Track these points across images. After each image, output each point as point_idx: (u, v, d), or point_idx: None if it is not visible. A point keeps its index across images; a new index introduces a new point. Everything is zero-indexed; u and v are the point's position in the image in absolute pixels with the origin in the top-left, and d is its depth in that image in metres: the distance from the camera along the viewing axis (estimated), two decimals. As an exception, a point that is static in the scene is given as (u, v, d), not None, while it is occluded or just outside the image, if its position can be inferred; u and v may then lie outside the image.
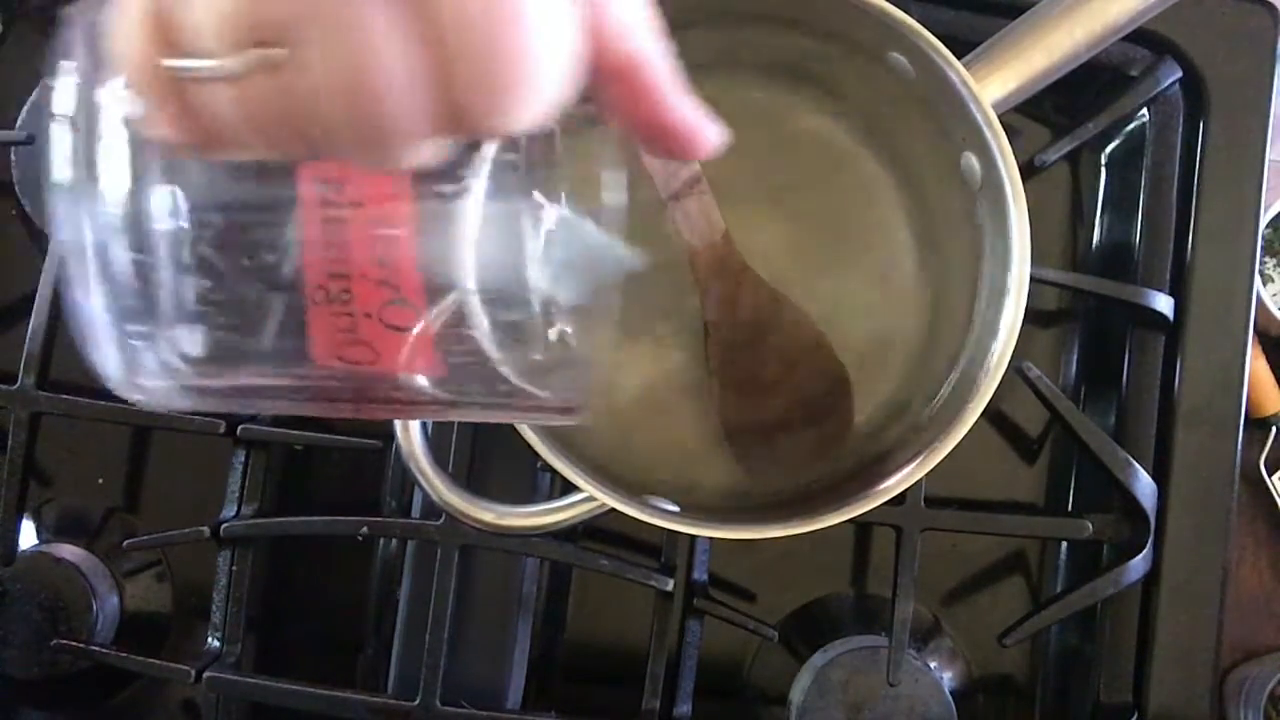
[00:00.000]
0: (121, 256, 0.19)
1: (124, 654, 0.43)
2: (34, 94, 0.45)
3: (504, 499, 0.36)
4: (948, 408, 0.35)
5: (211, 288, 0.20)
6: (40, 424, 0.44)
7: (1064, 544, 0.48)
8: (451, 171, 0.19)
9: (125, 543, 0.44)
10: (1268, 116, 0.45)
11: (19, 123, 0.45)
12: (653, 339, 0.39)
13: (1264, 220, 0.45)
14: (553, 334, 0.21)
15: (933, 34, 0.34)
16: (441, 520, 0.42)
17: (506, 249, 0.20)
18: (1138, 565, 0.43)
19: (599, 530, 0.46)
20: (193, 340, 0.21)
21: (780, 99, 0.39)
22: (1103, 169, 0.49)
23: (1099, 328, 0.48)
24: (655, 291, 0.38)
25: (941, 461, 0.33)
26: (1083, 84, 0.45)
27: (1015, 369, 0.43)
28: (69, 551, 0.45)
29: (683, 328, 0.38)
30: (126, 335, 0.20)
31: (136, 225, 0.19)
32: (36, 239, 0.47)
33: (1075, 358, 0.49)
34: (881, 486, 0.33)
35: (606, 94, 0.19)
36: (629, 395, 0.38)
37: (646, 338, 0.38)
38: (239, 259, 0.20)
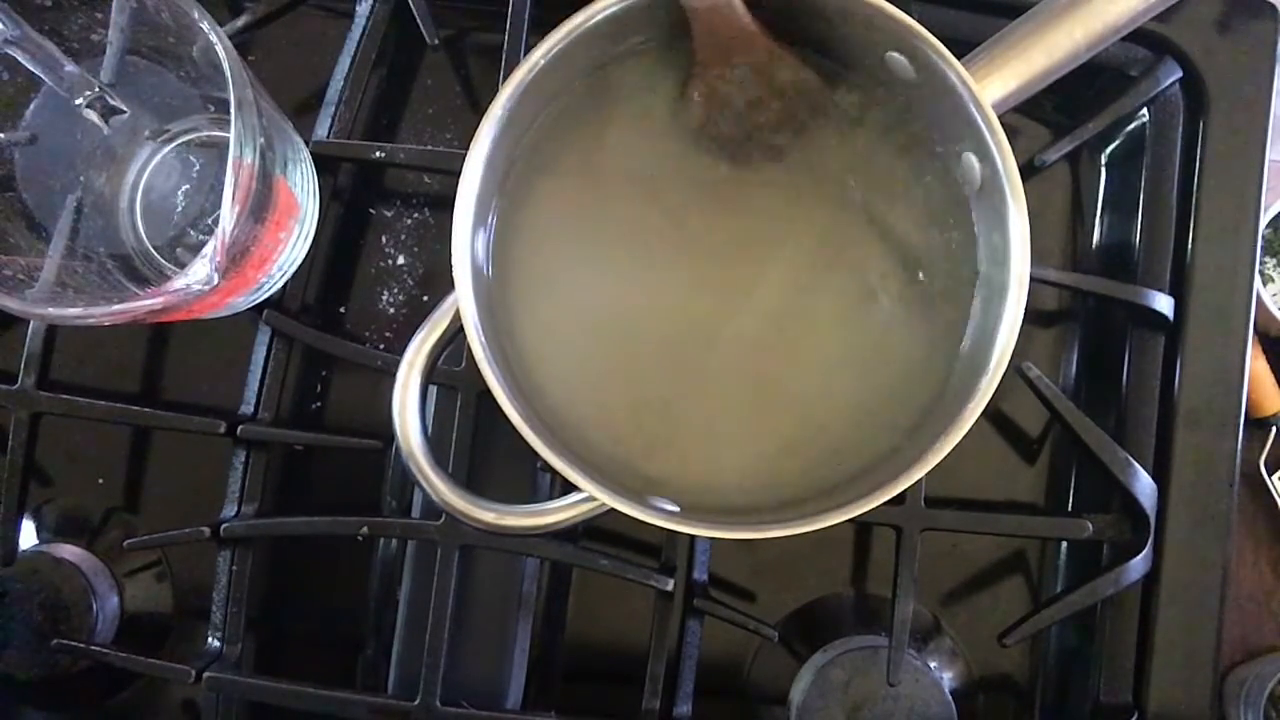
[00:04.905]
0: None
1: (124, 654, 0.43)
2: (39, 94, 0.45)
3: (504, 499, 0.36)
4: (948, 408, 0.35)
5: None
6: (40, 424, 0.44)
7: (1064, 544, 0.48)
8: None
9: (125, 543, 0.44)
10: (1268, 116, 0.45)
11: (24, 123, 0.45)
12: (655, 341, 0.39)
13: (1264, 220, 0.45)
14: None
15: (933, 34, 0.34)
16: (441, 520, 0.42)
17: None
18: (1138, 565, 0.43)
19: (599, 530, 0.46)
20: None
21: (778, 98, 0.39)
22: (1103, 169, 0.49)
23: (1099, 328, 0.48)
24: (656, 293, 0.38)
25: (941, 461, 0.33)
26: (1083, 84, 0.45)
27: (1015, 369, 0.43)
28: (69, 551, 0.45)
29: (685, 328, 0.38)
30: None
31: None
32: (40, 238, 0.47)
33: (1075, 358, 0.49)
34: (882, 486, 0.33)
35: None
36: (630, 396, 0.38)
37: (648, 339, 0.38)
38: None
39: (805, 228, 0.39)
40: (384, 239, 0.48)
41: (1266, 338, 0.56)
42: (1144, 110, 0.46)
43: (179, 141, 0.44)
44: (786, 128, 0.39)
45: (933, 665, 0.45)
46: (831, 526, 0.33)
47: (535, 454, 0.32)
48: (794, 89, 0.38)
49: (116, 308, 0.33)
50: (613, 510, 0.33)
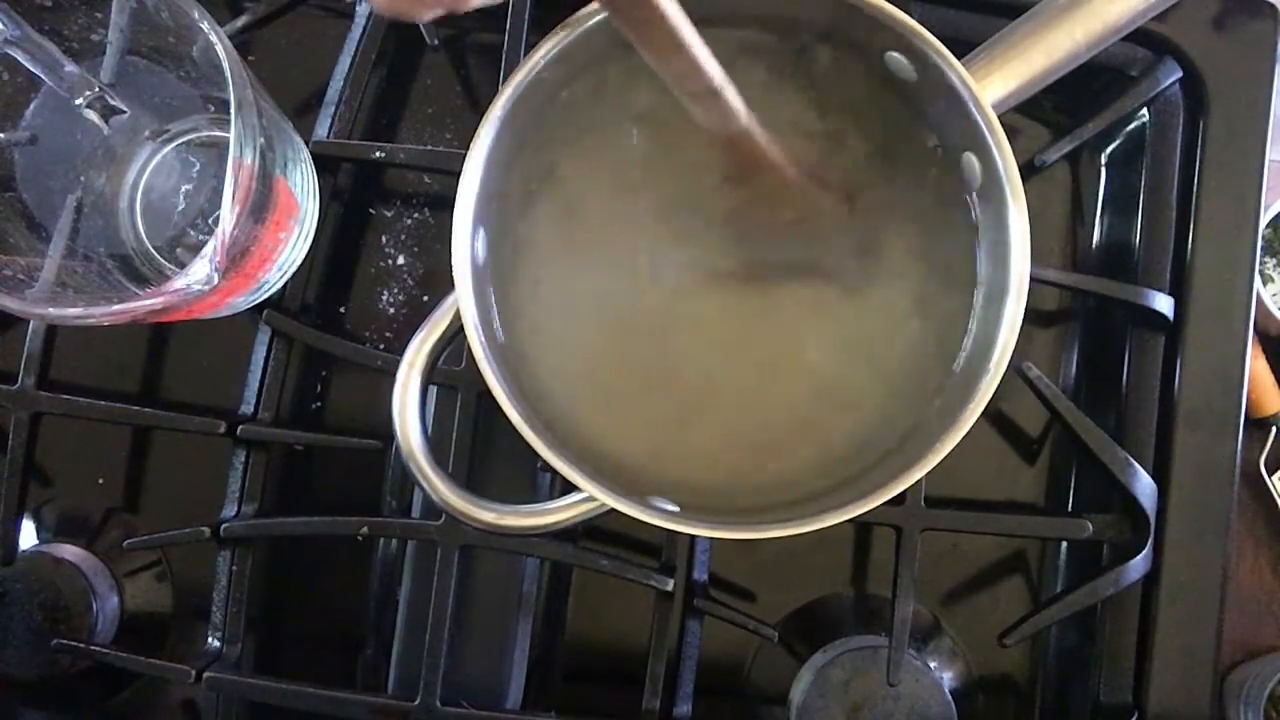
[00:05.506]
0: None
1: (124, 654, 0.43)
2: (39, 94, 0.45)
3: (504, 499, 0.36)
4: (948, 408, 0.35)
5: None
6: (40, 424, 0.44)
7: (1064, 544, 0.48)
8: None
9: (125, 543, 0.44)
10: (1268, 116, 0.45)
11: (24, 123, 0.46)
12: (655, 342, 0.39)
13: (1264, 220, 0.45)
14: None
15: (933, 34, 0.34)
16: (441, 520, 0.42)
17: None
18: (1138, 565, 0.43)
19: (599, 530, 0.46)
20: None
21: (777, 98, 0.39)
22: (1103, 169, 0.49)
23: (1099, 328, 0.48)
24: (657, 294, 0.38)
25: (941, 461, 0.33)
26: (1083, 84, 0.45)
27: (1015, 369, 0.43)
28: (69, 551, 0.45)
29: (685, 329, 0.38)
30: None
31: None
32: (40, 238, 0.47)
33: (1075, 358, 0.49)
34: (882, 486, 0.33)
35: None
36: (631, 396, 0.38)
37: (648, 340, 0.38)
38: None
39: (806, 231, 0.39)
40: (384, 239, 0.48)
41: (1266, 338, 0.56)
42: (1144, 110, 0.46)
43: (179, 141, 0.44)
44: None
45: (933, 665, 0.45)
46: (831, 526, 0.33)
47: (535, 454, 0.32)
48: (809, 202, 0.38)
49: (116, 308, 0.33)
50: (613, 510, 0.33)
